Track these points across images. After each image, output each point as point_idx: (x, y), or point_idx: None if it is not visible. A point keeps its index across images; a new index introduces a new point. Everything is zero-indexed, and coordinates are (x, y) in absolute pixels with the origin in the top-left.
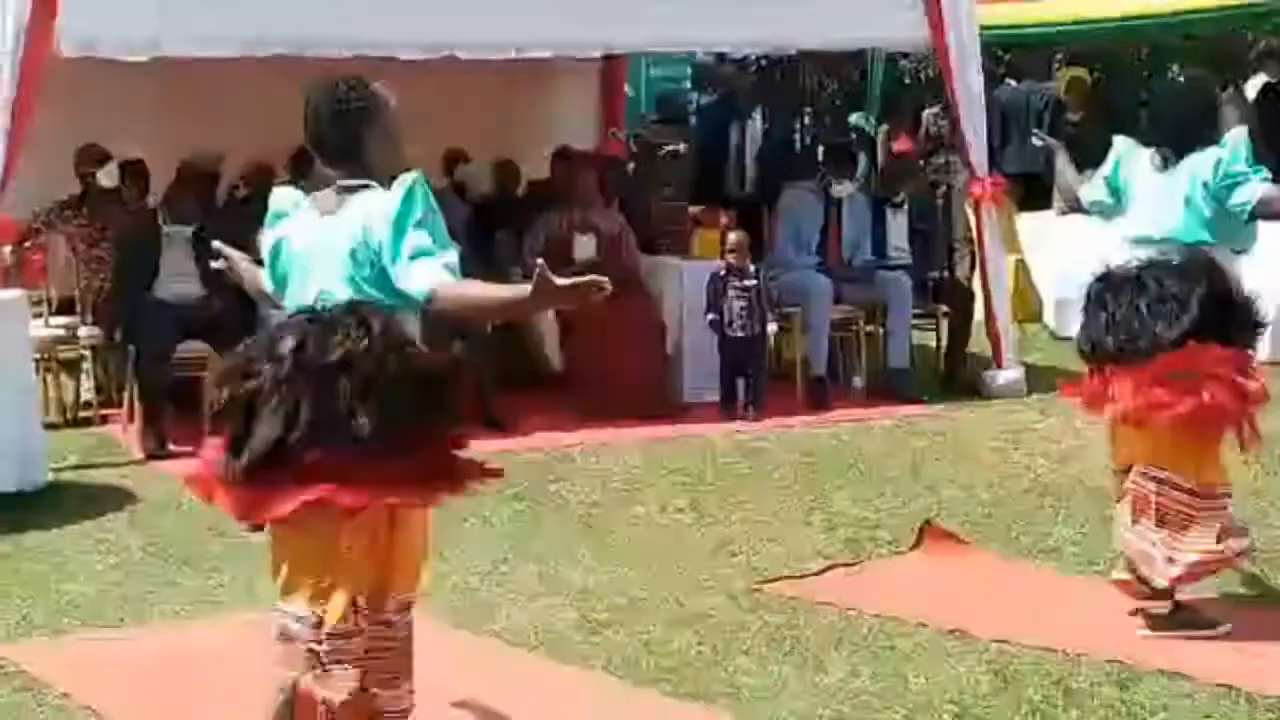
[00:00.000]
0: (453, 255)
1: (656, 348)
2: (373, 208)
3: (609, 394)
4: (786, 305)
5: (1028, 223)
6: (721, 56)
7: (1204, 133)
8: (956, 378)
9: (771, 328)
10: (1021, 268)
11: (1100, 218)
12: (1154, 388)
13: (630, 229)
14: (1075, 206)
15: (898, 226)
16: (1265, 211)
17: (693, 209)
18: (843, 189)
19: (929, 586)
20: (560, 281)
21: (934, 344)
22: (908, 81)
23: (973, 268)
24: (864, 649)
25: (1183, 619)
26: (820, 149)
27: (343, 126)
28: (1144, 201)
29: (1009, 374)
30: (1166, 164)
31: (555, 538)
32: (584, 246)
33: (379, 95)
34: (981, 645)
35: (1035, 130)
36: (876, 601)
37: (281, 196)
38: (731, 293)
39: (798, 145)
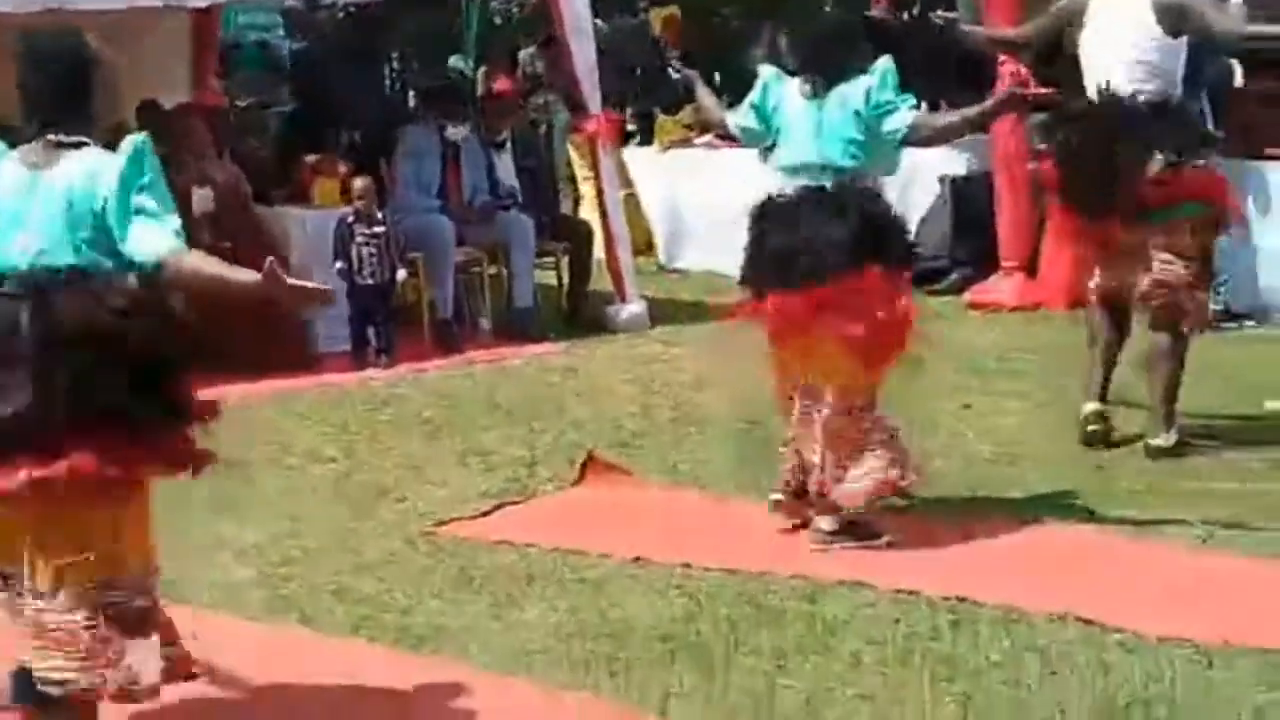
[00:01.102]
0: (177, 220)
1: None
2: (97, 167)
3: (239, 349)
4: (411, 250)
5: (634, 157)
6: (313, 3)
7: (851, 61)
8: (580, 314)
9: (401, 274)
10: (631, 202)
11: (750, 144)
12: (822, 313)
13: (245, 178)
14: (724, 134)
15: (504, 166)
16: (915, 138)
17: (308, 158)
18: (457, 132)
19: (601, 518)
20: (290, 281)
21: (555, 282)
22: (498, 22)
23: (576, 205)
24: (554, 583)
25: (851, 532)
26: (413, 92)
27: (65, 78)
28: (795, 129)
29: (632, 308)
30: (816, 92)
31: (211, 496)
32: (202, 200)
33: (100, 48)
34: (666, 571)
35: (673, 64)
36: (553, 536)
37: None
38: (359, 239)
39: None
